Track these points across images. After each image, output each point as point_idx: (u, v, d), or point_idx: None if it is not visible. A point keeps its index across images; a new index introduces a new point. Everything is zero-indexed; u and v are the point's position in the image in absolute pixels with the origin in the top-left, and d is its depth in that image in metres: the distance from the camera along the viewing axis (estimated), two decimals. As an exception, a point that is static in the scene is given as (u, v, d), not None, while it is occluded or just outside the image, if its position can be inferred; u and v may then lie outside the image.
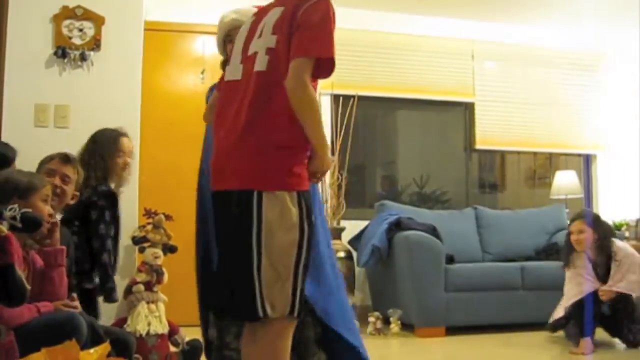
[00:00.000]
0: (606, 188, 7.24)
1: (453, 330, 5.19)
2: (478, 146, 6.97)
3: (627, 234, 6.44)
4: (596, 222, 4.72)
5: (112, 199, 3.62)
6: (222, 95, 2.48)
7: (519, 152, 7.36)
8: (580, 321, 4.48)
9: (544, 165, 7.59)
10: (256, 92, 2.26)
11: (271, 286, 2.15)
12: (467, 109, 7.00)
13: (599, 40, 7.19)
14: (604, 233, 4.68)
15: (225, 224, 2.28)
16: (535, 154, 7.46)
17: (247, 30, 2.45)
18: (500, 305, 5.34)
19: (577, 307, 4.53)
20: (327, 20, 2.26)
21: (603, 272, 4.61)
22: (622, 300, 4.52)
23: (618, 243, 4.69)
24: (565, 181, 6.74)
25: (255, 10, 2.55)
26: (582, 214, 4.88)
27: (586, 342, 4.41)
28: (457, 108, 6.99)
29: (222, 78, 2.61)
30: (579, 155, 7.43)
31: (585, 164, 7.44)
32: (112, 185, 3.71)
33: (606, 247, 4.62)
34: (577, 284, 4.62)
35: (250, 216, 2.14)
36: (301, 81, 2.20)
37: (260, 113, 2.24)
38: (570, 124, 7.18)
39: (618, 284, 4.51)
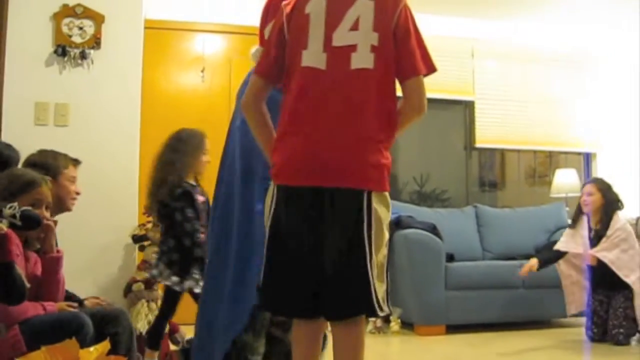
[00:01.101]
0: (606, 186, 7.23)
1: (453, 328, 5.19)
2: (478, 144, 6.96)
3: (627, 232, 6.45)
4: (607, 189, 4.95)
5: (189, 197, 3.63)
6: (302, 82, 2.30)
7: (518, 151, 7.36)
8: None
9: (544, 164, 7.60)
10: (367, 90, 2.25)
11: (378, 283, 2.19)
12: (467, 107, 7.00)
13: (597, 39, 7.18)
14: (611, 201, 4.89)
15: (324, 221, 2.21)
16: (535, 152, 7.46)
17: (323, 14, 2.32)
18: (501, 304, 5.35)
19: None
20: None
21: (597, 243, 4.80)
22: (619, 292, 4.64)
23: (620, 216, 4.86)
24: (565, 179, 6.74)
25: None
26: (596, 179, 5.15)
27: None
28: (457, 106, 6.99)
29: (264, 62, 2.42)
30: (579, 153, 7.42)
31: (585, 162, 7.43)
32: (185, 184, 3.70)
33: (609, 215, 4.81)
34: (568, 240, 4.93)
35: (361, 213, 2.16)
36: (425, 100, 2.36)
37: (373, 113, 2.24)
38: (570, 122, 7.17)
39: (603, 253, 4.69)
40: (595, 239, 4.82)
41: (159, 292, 4.11)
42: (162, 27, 5.47)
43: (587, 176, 7.33)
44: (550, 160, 7.55)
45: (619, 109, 7.21)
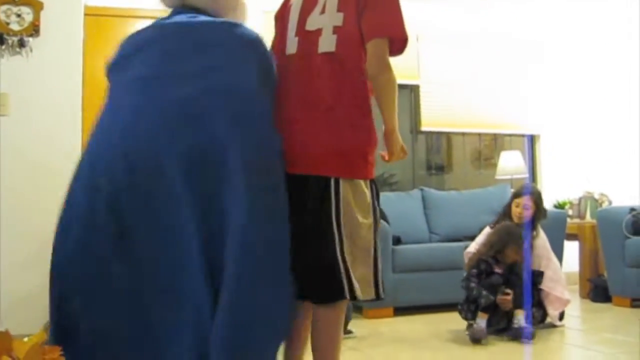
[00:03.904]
0: (549, 168, 7.37)
1: (401, 310, 5.25)
2: (424, 128, 7.02)
3: (570, 212, 6.58)
4: (540, 201, 4.85)
5: None
6: (280, 71, 2.37)
7: (464, 134, 7.44)
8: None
9: (489, 146, 7.69)
10: (331, 74, 2.24)
11: (356, 269, 2.19)
12: (412, 91, 7.04)
13: (541, 23, 7.29)
14: (539, 214, 4.81)
15: (303, 207, 2.23)
16: (480, 135, 7.54)
17: (300, 2, 2.38)
18: (448, 285, 5.39)
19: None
20: None
21: None
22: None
23: (540, 230, 4.82)
24: (510, 162, 6.83)
25: None
26: (530, 189, 4.96)
27: None
28: (403, 91, 7.00)
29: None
30: (523, 135, 7.54)
31: (528, 144, 7.54)
32: None
33: (535, 225, 4.75)
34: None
35: (329, 199, 2.18)
36: (385, 64, 2.25)
37: (338, 97, 2.23)
38: (514, 104, 7.27)
39: (547, 284, 4.62)
40: None
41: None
42: (102, 13, 5.38)
43: (530, 158, 7.44)
44: (495, 143, 7.65)
45: (562, 91, 7.34)
